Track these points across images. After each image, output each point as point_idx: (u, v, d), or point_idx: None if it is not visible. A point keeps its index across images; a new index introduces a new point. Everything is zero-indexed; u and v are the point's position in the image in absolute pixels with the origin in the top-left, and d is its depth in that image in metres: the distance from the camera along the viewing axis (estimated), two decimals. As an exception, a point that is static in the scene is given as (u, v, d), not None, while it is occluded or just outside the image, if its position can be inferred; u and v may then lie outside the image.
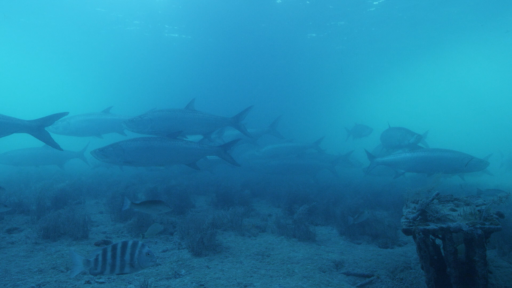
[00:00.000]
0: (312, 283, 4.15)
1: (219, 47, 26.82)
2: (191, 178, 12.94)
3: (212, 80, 33.52)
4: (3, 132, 6.49)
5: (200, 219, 6.03)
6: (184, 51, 28.15)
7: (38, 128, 6.76)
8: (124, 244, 3.14)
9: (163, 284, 4.02)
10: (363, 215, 6.20)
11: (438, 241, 4.39)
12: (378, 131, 16.28)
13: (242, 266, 4.68)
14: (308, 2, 19.62)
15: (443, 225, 3.83)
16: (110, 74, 34.65)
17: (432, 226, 3.88)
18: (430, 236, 4.02)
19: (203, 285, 4.02)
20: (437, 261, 4.16)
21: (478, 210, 4.02)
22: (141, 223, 6.48)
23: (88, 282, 3.97)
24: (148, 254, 3.17)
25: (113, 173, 13.73)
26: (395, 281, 4.43)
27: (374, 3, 19.25)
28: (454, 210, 4.33)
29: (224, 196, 9.10)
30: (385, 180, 15.92)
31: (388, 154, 11.03)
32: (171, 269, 4.52)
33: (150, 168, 13.38)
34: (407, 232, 4.00)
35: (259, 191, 11.80)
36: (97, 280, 4.06)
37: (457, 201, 4.63)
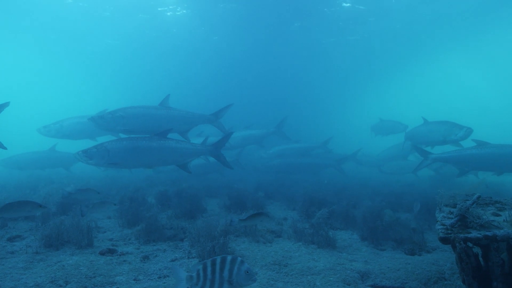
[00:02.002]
0: (337, 298, 3.70)
1: (223, 44, 26.46)
2: (202, 180, 12.58)
3: (216, 80, 33.19)
4: None
5: (211, 225, 5.64)
6: (192, 52, 27.94)
7: None
8: (223, 260, 2.93)
9: (171, 300, 3.63)
10: (417, 204, 6.33)
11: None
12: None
13: (258, 278, 4.25)
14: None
15: (488, 233, 3.33)
16: (119, 76, 34.61)
17: (474, 234, 3.39)
18: (469, 244, 3.54)
19: (214, 301, 3.60)
20: (477, 272, 3.66)
21: (528, 215, 3.51)
22: (149, 229, 6.11)
23: (88, 298, 3.61)
24: (248, 272, 2.91)
25: (123, 176, 13.47)
26: (430, 295, 3.94)
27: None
28: (497, 215, 3.81)
29: (237, 199, 8.69)
30: (403, 180, 15.33)
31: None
32: (179, 281, 4.12)
33: (158, 170, 13.06)
34: (445, 240, 3.51)
35: (273, 193, 11.37)
36: (98, 295, 3.69)
37: (499, 204, 4.12)
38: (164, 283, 4.09)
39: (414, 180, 15.15)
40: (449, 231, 3.55)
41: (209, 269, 2.90)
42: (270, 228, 6.74)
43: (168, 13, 21.99)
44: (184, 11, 21.56)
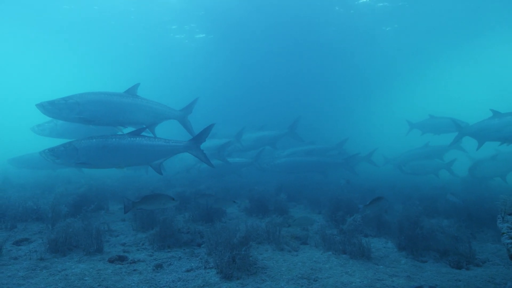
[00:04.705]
0: (381, 325, 3.08)
1: (242, 44, 25.96)
2: (220, 181, 12.13)
3: (235, 80, 32.74)
4: None
5: (231, 230, 5.11)
6: (209, 51, 27.64)
7: None
8: None
9: (184, 321, 3.10)
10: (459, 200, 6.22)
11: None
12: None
13: (284, 294, 3.68)
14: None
15: None
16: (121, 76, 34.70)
17: (558, 251, 2.72)
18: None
19: (235, 323, 3.06)
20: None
21: None
22: (164, 233, 5.63)
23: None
24: None
25: (140, 176, 13.14)
26: (493, 322, 3.27)
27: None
28: None
29: (258, 202, 8.16)
30: (432, 182, 14.42)
31: None
32: (195, 297, 3.60)
33: (176, 171, 12.68)
34: (518, 258, 2.86)
35: (295, 195, 10.79)
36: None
37: None
38: (177, 298, 3.58)
39: (444, 182, 14.24)
40: (524, 247, 2.89)
41: None
42: (295, 234, 6.17)
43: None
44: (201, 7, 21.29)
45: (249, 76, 32.05)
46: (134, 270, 4.33)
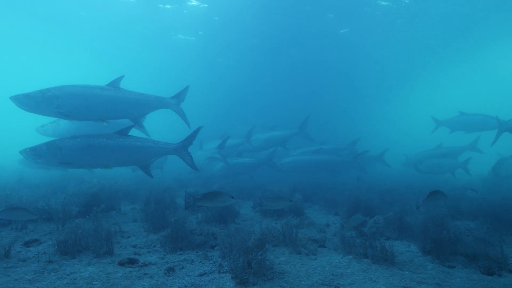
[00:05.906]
0: (412, 339, 2.80)
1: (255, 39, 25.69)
2: (233, 181, 11.92)
3: (249, 78, 32.51)
4: None
5: (245, 232, 4.88)
6: (214, 51, 27.50)
7: None
8: None
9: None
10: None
11: None
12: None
13: (304, 303, 3.43)
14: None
15: None
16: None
17: None
18: None
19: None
20: None
21: None
22: (175, 235, 5.43)
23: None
24: None
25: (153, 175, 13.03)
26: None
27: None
28: None
29: (272, 202, 7.88)
30: (450, 182, 13.94)
31: None
32: (208, 304, 3.38)
33: (189, 171, 12.52)
34: None
35: (310, 196, 10.50)
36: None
37: None
38: (190, 305, 3.36)
39: (464, 182, 13.74)
40: None
41: None
42: (312, 236, 5.89)
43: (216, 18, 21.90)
44: (206, 5, 21.10)
45: (263, 76, 31.80)
46: (145, 274, 4.13)
